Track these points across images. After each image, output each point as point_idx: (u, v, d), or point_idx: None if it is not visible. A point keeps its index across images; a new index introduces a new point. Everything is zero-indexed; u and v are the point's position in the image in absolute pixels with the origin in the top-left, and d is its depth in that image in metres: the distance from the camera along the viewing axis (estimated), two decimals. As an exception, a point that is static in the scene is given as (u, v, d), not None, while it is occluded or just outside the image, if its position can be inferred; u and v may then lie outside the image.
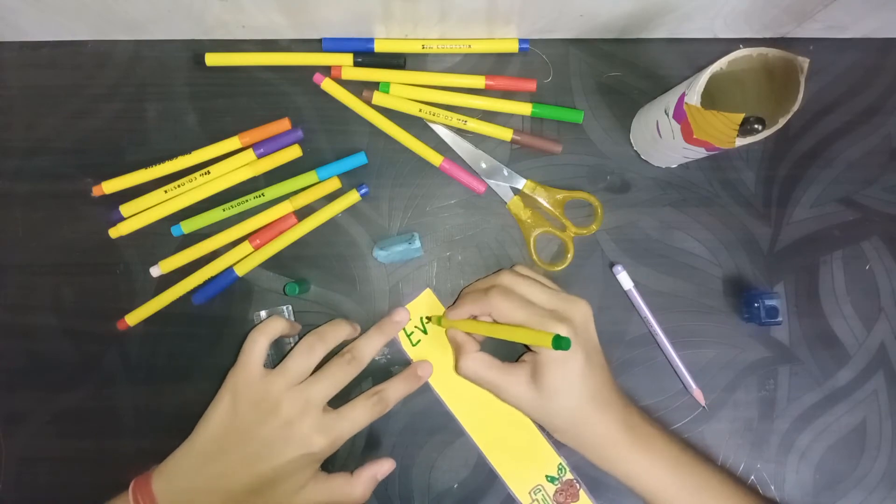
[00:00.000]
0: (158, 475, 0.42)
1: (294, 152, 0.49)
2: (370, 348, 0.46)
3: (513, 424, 0.48)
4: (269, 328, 0.45)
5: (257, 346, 0.44)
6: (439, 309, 0.49)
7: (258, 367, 0.44)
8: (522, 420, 0.48)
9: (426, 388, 0.49)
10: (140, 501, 0.41)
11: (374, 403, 0.45)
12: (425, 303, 0.49)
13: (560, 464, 0.48)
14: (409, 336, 0.49)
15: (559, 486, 0.48)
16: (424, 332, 0.49)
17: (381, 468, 0.47)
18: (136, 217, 0.49)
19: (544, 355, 0.41)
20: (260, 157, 0.49)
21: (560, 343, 0.36)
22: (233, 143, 0.49)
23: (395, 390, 0.46)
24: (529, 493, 0.48)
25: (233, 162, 0.49)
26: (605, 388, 0.42)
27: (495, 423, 0.48)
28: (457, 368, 0.44)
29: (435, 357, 0.49)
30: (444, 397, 0.49)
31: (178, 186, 0.49)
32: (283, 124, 0.50)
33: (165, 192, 0.49)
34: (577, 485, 0.48)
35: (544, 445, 0.48)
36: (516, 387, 0.42)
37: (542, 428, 0.48)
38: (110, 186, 0.49)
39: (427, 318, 0.49)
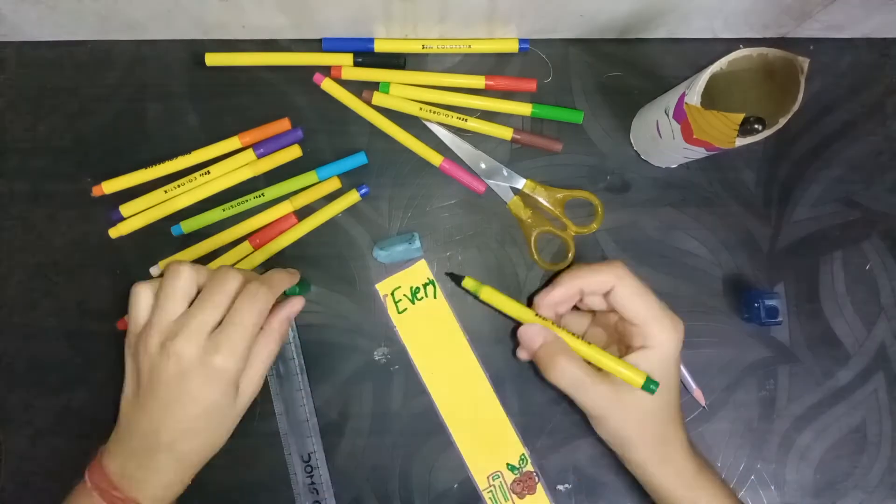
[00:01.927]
0: (106, 453, 0.41)
1: (294, 152, 0.49)
2: (279, 278, 0.43)
3: (485, 409, 0.48)
4: (152, 280, 0.41)
5: (139, 298, 0.40)
6: (428, 279, 0.49)
7: (143, 318, 0.40)
8: (495, 406, 0.48)
9: (426, 390, 0.49)
10: (95, 479, 0.40)
11: (254, 292, 0.40)
12: (418, 273, 0.49)
13: (523, 454, 0.48)
14: (396, 303, 0.49)
15: (518, 476, 0.48)
16: (412, 301, 0.49)
17: (294, 307, 0.44)
18: (136, 217, 0.49)
19: (644, 362, 0.41)
20: (260, 157, 0.49)
21: (649, 386, 0.38)
22: (233, 143, 0.49)
23: (275, 274, 0.43)
24: (488, 478, 0.48)
25: (233, 162, 0.49)
26: (676, 414, 0.43)
27: (468, 405, 0.49)
28: (551, 371, 0.42)
29: (420, 329, 0.49)
30: (423, 373, 0.49)
31: (178, 186, 0.49)
32: (283, 124, 0.50)
33: (165, 192, 0.49)
34: (536, 478, 0.48)
35: (511, 434, 0.48)
36: (619, 404, 0.42)
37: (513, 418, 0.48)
38: (110, 186, 0.49)
39: (468, 291, 0.47)
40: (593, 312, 0.47)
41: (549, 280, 0.47)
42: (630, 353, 0.42)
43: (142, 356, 0.39)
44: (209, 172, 0.49)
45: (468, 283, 0.47)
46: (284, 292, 0.45)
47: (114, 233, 0.49)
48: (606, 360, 0.41)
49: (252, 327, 0.39)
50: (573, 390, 0.43)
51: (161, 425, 0.39)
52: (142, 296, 0.40)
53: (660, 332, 0.41)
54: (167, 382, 0.38)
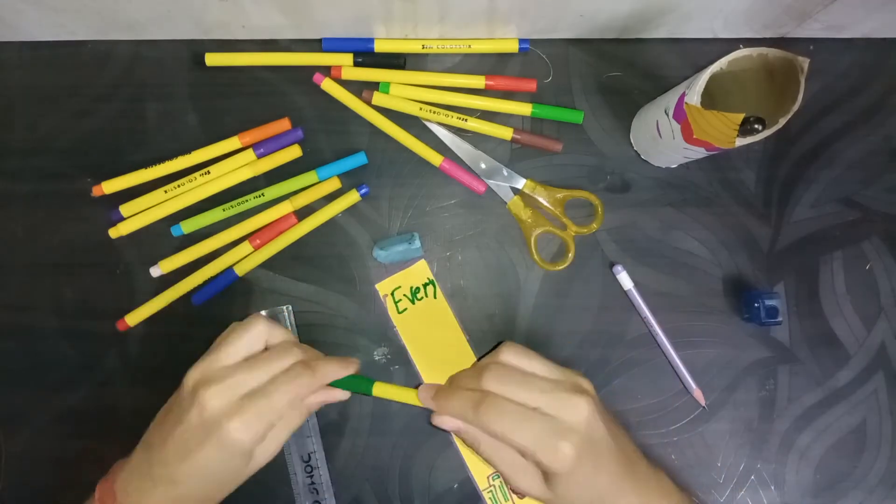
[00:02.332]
0: (120, 466, 0.41)
1: (294, 152, 0.49)
2: (330, 368, 0.42)
3: None
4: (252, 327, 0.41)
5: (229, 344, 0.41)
6: (428, 279, 0.49)
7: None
8: None
9: (426, 388, 0.49)
10: (101, 495, 0.39)
11: (297, 375, 0.39)
12: (418, 273, 0.49)
13: None
14: (396, 303, 0.49)
15: None
16: (412, 301, 0.49)
17: (334, 396, 0.43)
18: (136, 217, 0.49)
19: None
20: (260, 157, 0.49)
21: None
22: (233, 143, 0.49)
23: (329, 363, 0.42)
24: (488, 478, 0.48)
25: (233, 162, 0.49)
26: (630, 466, 0.40)
27: None
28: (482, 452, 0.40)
29: (420, 329, 0.49)
30: (423, 373, 0.49)
31: (178, 186, 0.49)
32: (283, 124, 0.50)
33: (165, 192, 0.49)
34: None
35: None
36: (530, 482, 0.39)
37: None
38: (110, 186, 0.49)
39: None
40: None
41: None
42: None
43: (182, 386, 0.40)
44: (209, 172, 0.49)
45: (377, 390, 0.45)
46: (352, 383, 0.44)
47: (114, 233, 0.49)
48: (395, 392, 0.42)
49: (281, 409, 0.39)
50: (495, 464, 0.40)
51: (169, 460, 0.39)
52: (238, 343, 0.41)
53: (572, 404, 0.38)
54: (187, 426, 0.38)
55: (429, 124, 0.50)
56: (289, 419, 0.41)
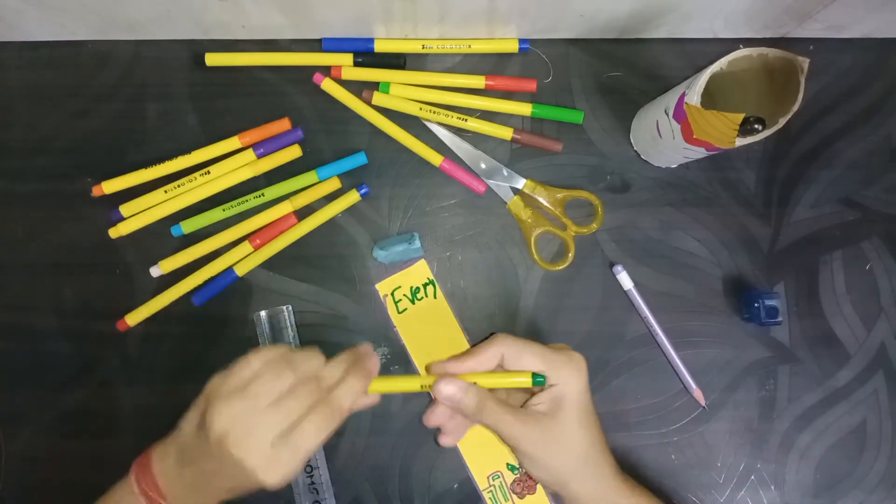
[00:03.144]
0: (157, 463, 0.41)
1: (294, 152, 0.49)
2: (351, 395, 0.40)
3: None
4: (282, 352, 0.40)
5: (249, 366, 0.40)
6: (428, 279, 0.49)
7: (244, 380, 0.39)
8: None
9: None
10: (143, 486, 0.40)
11: (326, 416, 0.39)
12: (418, 273, 0.49)
13: None
14: (396, 303, 0.49)
15: (518, 475, 0.48)
16: (412, 301, 0.49)
17: (367, 402, 0.42)
18: (136, 217, 0.49)
19: (555, 396, 0.40)
20: (260, 157, 0.49)
21: (537, 379, 0.38)
22: (233, 143, 0.49)
23: (348, 390, 0.40)
24: (488, 477, 0.48)
25: (233, 162, 0.49)
26: (602, 441, 0.42)
27: None
28: (479, 415, 0.40)
29: (420, 329, 0.49)
30: (423, 373, 0.48)
31: (178, 186, 0.49)
32: (283, 124, 0.50)
33: (165, 192, 0.49)
34: None
35: None
36: (522, 427, 0.40)
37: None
38: (110, 186, 0.49)
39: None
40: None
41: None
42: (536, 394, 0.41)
43: (212, 419, 0.38)
44: (209, 172, 0.49)
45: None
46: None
47: (114, 233, 0.49)
48: (498, 379, 0.40)
49: (312, 450, 0.38)
50: (503, 427, 0.40)
51: (213, 479, 0.39)
52: (257, 363, 0.39)
53: (559, 370, 0.40)
54: (221, 464, 0.38)
55: (429, 124, 0.50)
56: (303, 441, 0.39)
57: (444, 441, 0.43)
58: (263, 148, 0.49)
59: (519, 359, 0.40)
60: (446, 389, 0.40)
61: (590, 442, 0.41)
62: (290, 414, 0.38)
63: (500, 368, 0.41)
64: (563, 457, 0.40)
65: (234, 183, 0.49)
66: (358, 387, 0.41)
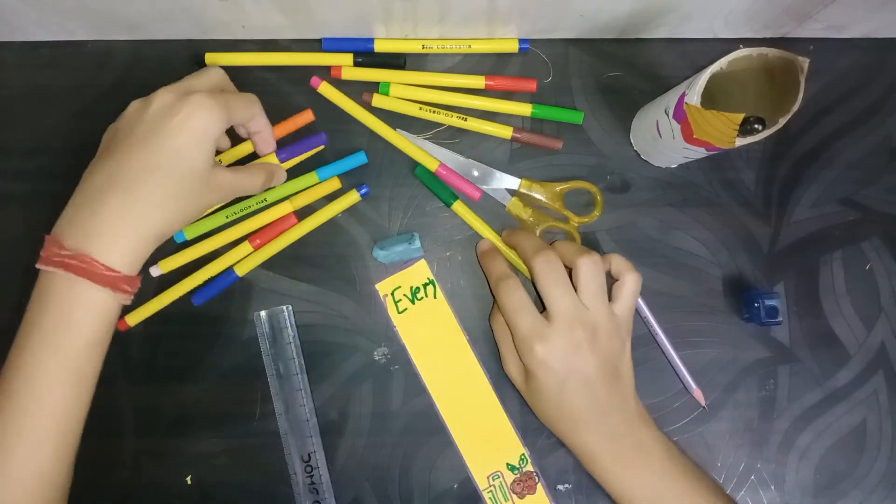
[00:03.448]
0: (56, 226, 0.38)
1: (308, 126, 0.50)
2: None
3: (485, 409, 0.48)
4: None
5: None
6: (428, 279, 0.49)
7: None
8: (495, 406, 0.48)
9: (426, 390, 0.49)
10: (45, 253, 0.36)
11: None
12: (418, 273, 0.49)
13: (523, 454, 0.48)
14: (396, 303, 0.49)
15: (518, 475, 0.48)
16: (412, 301, 0.49)
17: (279, 174, 0.45)
18: None
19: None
20: (283, 161, 0.49)
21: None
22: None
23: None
24: (488, 477, 0.48)
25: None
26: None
27: (468, 405, 0.49)
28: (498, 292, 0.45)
29: (420, 329, 0.49)
30: (423, 373, 0.49)
31: None
32: (306, 116, 0.50)
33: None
34: (536, 478, 0.48)
35: (511, 434, 0.48)
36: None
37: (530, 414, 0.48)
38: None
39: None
40: None
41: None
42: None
43: (124, 116, 0.39)
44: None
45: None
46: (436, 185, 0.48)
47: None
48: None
49: (208, 88, 0.40)
50: (515, 312, 0.44)
51: (121, 166, 0.36)
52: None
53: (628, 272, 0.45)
54: (142, 125, 0.37)
55: (416, 140, 0.50)
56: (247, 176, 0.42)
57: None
58: (287, 153, 0.49)
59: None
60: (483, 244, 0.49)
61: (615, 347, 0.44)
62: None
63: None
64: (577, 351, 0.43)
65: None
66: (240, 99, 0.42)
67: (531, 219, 0.49)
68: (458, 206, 0.49)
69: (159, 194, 0.36)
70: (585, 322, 0.42)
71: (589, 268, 0.43)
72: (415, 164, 0.50)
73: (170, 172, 0.37)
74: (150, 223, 0.37)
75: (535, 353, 0.42)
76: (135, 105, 0.40)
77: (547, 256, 0.44)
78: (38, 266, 0.36)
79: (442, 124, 0.50)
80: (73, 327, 0.36)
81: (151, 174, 0.36)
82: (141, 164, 0.36)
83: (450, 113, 0.50)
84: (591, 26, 0.49)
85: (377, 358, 0.49)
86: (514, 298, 0.44)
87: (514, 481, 0.48)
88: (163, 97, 0.38)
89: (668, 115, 0.42)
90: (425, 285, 0.49)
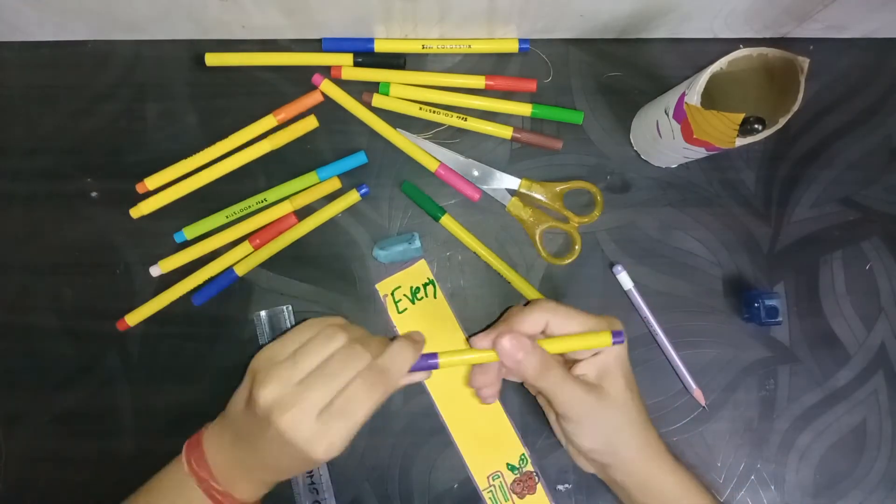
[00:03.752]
0: (208, 441, 0.41)
1: (310, 123, 0.50)
2: (398, 359, 0.40)
3: (485, 409, 0.49)
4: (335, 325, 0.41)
5: (294, 336, 0.40)
6: (428, 279, 0.49)
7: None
8: (495, 406, 0.49)
9: (426, 390, 0.49)
10: (195, 466, 0.40)
11: (374, 381, 0.38)
12: (418, 273, 0.49)
13: (523, 454, 0.48)
14: (396, 303, 0.49)
15: (518, 476, 0.48)
16: (412, 301, 0.49)
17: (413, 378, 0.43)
18: (158, 196, 0.49)
19: (601, 364, 0.42)
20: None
21: (616, 339, 0.39)
22: (269, 121, 0.50)
23: (395, 353, 0.40)
24: (488, 477, 0.48)
25: (254, 130, 0.50)
26: (645, 408, 0.43)
27: (468, 405, 0.49)
28: (540, 377, 0.41)
29: (420, 329, 0.48)
30: (431, 388, 0.49)
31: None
32: (315, 97, 0.50)
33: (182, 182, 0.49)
34: (536, 478, 0.48)
35: (511, 435, 0.48)
36: (576, 390, 0.41)
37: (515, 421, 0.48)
38: (153, 182, 0.49)
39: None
40: None
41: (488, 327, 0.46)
42: (580, 363, 0.43)
43: (258, 393, 0.38)
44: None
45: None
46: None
47: (135, 212, 0.49)
48: (572, 340, 0.41)
49: (362, 421, 0.38)
50: (561, 393, 0.41)
51: (263, 456, 0.39)
52: (305, 334, 0.40)
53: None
54: (270, 439, 0.38)
55: (416, 139, 0.50)
56: (351, 410, 0.38)
57: (488, 396, 0.43)
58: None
59: (565, 325, 0.41)
60: (510, 348, 0.39)
61: (638, 409, 0.42)
62: (336, 378, 0.37)
63: (542, 335, 0.42)
64: (616, 422, 0.42)
65: (253, 158, 0.49)
66: (406, 351, 0.41)
67: (531, 218, 0.49)
68: (447, 220, 0.49)
69: (298, 470, 0.43)
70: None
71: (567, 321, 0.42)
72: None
73: (307, 464, 0.40)
74: (286, 477, 0.44)
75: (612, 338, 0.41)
76: (269, 398, 0.38)
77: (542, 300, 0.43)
78: (187, 472, 0.40)
79: (442, 124, 0.50)
80: None
81: (284, 471, 0.41)
82: (277, 466, 0.40)
83: (450, 113, 0.50)
84: (592, 26, 0.49)
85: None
86: (567, 309, 0.42)
87: (514, 481, 0.48)
88: (292, 428, 0.37)
89: (668, 115, 0.42)
90: (425, 285, 0.49)
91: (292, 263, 0.50)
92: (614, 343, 0.39)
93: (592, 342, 0.40)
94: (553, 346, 0.41)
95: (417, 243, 0.48)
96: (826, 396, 0.49)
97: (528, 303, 0.44)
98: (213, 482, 0.40)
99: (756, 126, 0.39)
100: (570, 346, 0.41)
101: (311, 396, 0.37)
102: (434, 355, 0.41)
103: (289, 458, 0.38)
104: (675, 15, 0.47)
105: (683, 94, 0.40)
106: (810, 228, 0.50)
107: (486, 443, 0.48)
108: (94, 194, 0.50)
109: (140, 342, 0.49)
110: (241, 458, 0.40)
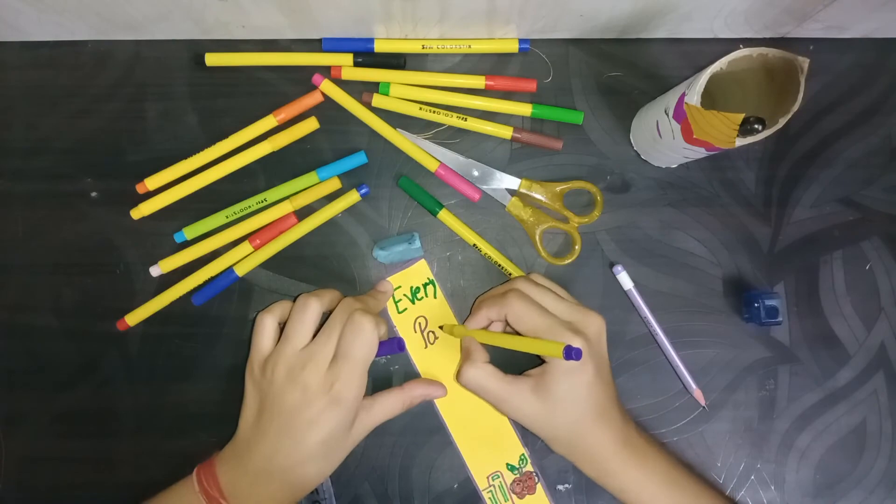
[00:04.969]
0: (220, 461, 0.42)
1: (311, 125, 0.50)
2: (382, 298, 0.48)
3: (484, 409, 0.48)
4: (274, 309, 0.45)
5: (264, 328, 0.44)
6: (428, 279, 0.49)
7: (267, 347, 0.44)
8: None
9: (426, 388, 0.49)
10: (205, 484, 0.41)
11: (358, 324, 0.43)
12: (418, 273, 0.50)
13: (522, 454, 0.48)
14: (396, 303, 0.49)
15: (518, 476, 0.48)
16: (412, 301, 0.49)
17: (434, 392, 0.47)
18: (158, 197, 0.49)
19: (553, 366, 0.42)
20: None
21: (571, 354, 0.36)
22: (268, 122, 0.50)
23: (370, 301, 0.46)
24: (488, 477, 0.48)
25: (254, 130, 0.50)
26: (608, 403, 0.43)
27: (468, 405, 0.49)
28: (459, 376, 0.44)
29: (418, 329, 0.49)
30: (423, 373, 0.49)
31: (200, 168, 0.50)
32: (315, 96, 0.50)
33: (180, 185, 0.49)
34: (536, 478, 0.48)
35: (511, 435, 0.48)
36: (519, 397, 0.42)
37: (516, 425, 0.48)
38: (153, 182, 0.49)
39: (440, 326, 0.49)
40: None
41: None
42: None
43: (266, 384, 0.42)
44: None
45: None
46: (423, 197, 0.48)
47: (136, 213, 0.49)
48: (531, 343, 0.40)
49: (362, 359, 0.42)
50: (487, 395, 0.43)
51: (279, 450, 0.41)
52: (267, 325, 0.44)
53: (566, 342, 0.41)
54: (290, 410, 0.41)
55: (416, 139, 0.50)
56: (393, 398, 0.45)
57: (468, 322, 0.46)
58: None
59: (531, 322, 0.42)
60: (477, 321, 0.45)
61: (598, 402, 0.42)
62: (327, 332, 0.43)
63: (509, 329, 0.45)
64: (567, 421, 0.42)
65: (253, 159, 0.49)
66: (379, 295, 0.47)
67: (531, 218, 0.49)
68: (445, 215, 0.49)
69: (313, 471, 0.42)
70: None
71: (529, 290, 0.44)
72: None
73: (323, 454, 0.42)
74: (300, 490, 0.43)
75: (573, 342, 0.41)
76: (281, 374, 0.42)
77: (517, 291, 0.44)
78: (197, 491, 0.41)
79: (442, 124, 0.50)
80: None
81: (305, 461, 0.42)
82: (297, 453, 0.41)
83: (450, 113, 0.50)
84: (591, 26, 0.49)
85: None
86: (528, 304, 0.43)
87: (514, 481, 0.48)
88: (310, 380, 0.41)
89: (668, 115, 0.42)
90: (425, 285, 0.49)
91: (292, 263, 0.50)
92: (566, 359, 0.37)
93: (544, 350, 0.39)
94: (506, 343, 0.41)
95: (417, 243, 0.48)
96: (826, 396, 0.49)
97: (508, 279, 0.47)
98: (224, 501, 0.40)
99: (756, 126, 0.39)
100: (524, 347, 0.40)
101: (315, 350, 0.42)
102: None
103: (304, 449, 0.41)
104: (675, 15, 0.47)
105: (683, 95, 0.40)
106: (810, 228, 0.50)
107: (485, 443, 0.48)
108: (94, 194, 0.50)
109: (140, 342, 0.49)
110: (252, 479, 0.41)
